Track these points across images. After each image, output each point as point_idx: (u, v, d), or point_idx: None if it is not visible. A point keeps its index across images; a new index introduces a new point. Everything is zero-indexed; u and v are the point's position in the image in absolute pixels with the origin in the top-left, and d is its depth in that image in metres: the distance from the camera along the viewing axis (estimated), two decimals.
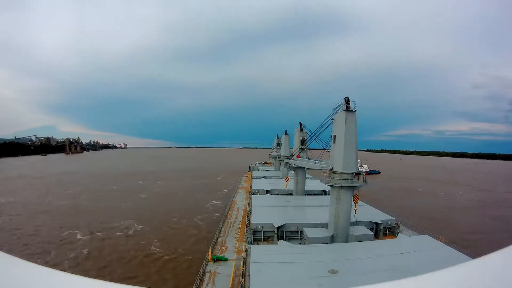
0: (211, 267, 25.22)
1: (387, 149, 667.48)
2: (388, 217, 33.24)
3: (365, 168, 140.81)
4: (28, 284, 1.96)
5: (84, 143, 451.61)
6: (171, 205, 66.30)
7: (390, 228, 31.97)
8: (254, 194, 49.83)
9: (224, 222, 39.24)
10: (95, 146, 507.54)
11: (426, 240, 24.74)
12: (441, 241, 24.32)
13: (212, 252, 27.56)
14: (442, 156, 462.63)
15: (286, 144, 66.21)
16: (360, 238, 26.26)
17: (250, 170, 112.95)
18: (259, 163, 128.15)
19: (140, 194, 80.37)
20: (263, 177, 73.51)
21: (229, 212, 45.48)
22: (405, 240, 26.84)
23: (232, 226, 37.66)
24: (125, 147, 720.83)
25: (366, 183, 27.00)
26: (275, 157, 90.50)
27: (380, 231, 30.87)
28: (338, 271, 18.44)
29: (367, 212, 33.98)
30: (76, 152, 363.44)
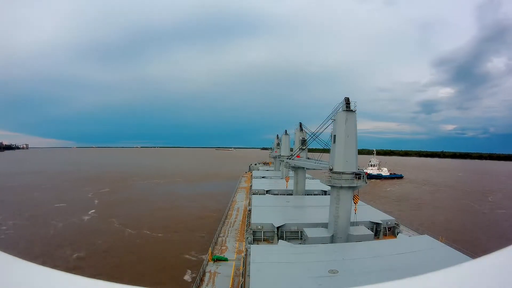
0: (211, 267, 25.22)
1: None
2: (388, 217, 33.24)
3: (384, 171, 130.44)
4: (28, 284, 1.96)
5: None
6: None
7: (390, 228, 31.96)
8: (254, 194, 49.83)
9: (224, 222, 39.24)
10: None
11: (426, 240, 24.73)
12: (441, 241, 24.31)
13: (212, 252, 27.56)
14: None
15: (286, 144, 66.22)
16: (360, 238, 26.25)
17: (250, 170, 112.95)
18: (258, 163, 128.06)
19: None
20: (263, 177, 73.49)
21: (229, 212, 45.48)
22: (405, 240, 26.83)
23: (232, 226, 37.66)
24: (27, 147, 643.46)
25: (366, 183, 27.01)
26: (275, 157, 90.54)
27: (380, 231, 30.86)
28: (338, 271, 18.43)
29: (367, 212, 33.97)
30: None
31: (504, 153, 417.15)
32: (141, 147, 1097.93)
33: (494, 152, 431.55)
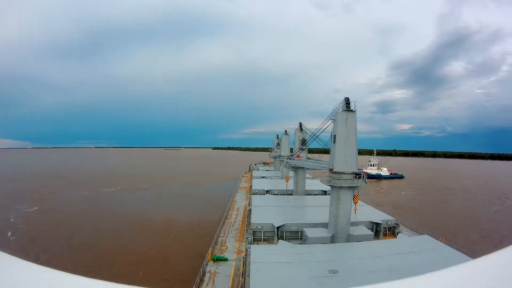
0: (211, 267, 25.22)
1: (246, 146, 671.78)
2: (388, 217, 33.25)
3: (384, 171, 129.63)
4: (28, 284, 1.96)
5: None
6: None
7: (390, 228, 31.97)
8: (254, 194, 49.82)
9: (224, 222, 39.23)
10: None
11: (426, 240, 24.73)
12: (441, 241, 24.32)
13: (212, 252, 27.56)
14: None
15: (286, 144, 66.23)
16: (360, 238, 26.25)
17: (250, 170, 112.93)
18: (258, 163, 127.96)
19: None
20: (263, 177, 73.50)
21: (229, 212, 45.48)
22: (405, 240, 26.83)
23: (232, 226, 37.65)
24: None
25: (366, 183, 27.01)
26: (275, 157, 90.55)
27: (380, 231, 30.85)
28: (338, 271, 18.43)
29: (367, 212, 33.97)
30: None
31: (460, 151, 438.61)
32: (95, 147, 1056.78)
33: (449, 151, 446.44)
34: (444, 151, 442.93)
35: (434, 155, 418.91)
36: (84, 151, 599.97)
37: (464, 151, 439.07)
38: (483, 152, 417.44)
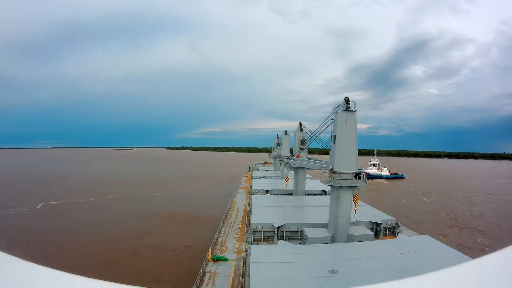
0: (211, 267, 25.22)
1: (198, 146, 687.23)
2: (388, 217, 33.24)
3: (384, 171, 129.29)
4: (28, 284, 1.96)
5: None
6: None
7: (390, 228, 31.97)
8: (254, 194, 49.82)
9: (224, 222, 39.23)
10: None
11: (426, 240, 24.73)
12: (441, 241, 24.31)
13: (212, 252, 27.56)
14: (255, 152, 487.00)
15: (286, 144, 66.24)
16: (360, 238, 26.25)
17: (250, 170, 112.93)
18: (258, 163, 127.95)
19: None
20: (263, 177, 73.51)
21: (229, 212, 45.48)
22: (405, 240, 26.83)
23: (232, 226, 37.65)
24: None
25: (366, 183, 27.02)
26: (275, 157, 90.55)
27: (380, 231, 30.86)
28: (338, 271, 18.43)
29: (367, 212, 33.97)
30: None
31: (416, 150, 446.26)
32: (52, 147, 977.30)
33: (405, 149, 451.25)
34: (399, 150, 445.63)
35: (388, 154, 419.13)
36: (37, 152, 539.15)
37: (420, 150, 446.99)
38: (439, 151, 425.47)
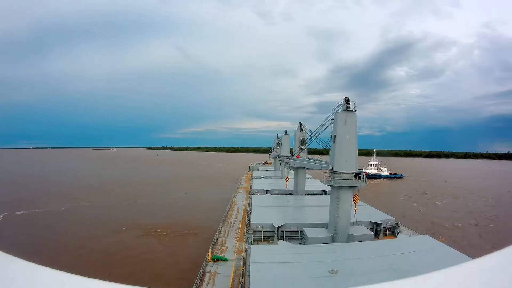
0: (211, 267, 25.23)
1: (182, 146, 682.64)
2: (388, 217, 33.23)
3: (384, 171, 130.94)
4: (28, 284, 1.96)
5: None
6: None
7: (390, 228, 31.96)
8: (254, 194, 49.82)
9: (224, 222, 39.24)
10: None
11: (426, 240, 24.72)
12: (441, 241, 24.31)
13: (212, 252, 27.56)
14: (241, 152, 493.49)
15: (286, 144, 66.24)
16: (360, 238, 26.24)
17: (250, 170, 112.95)
18: (258, 163, 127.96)
19: None
20: (263, 177, 73.51)
21: (229, 212, 45.48)
22: (405, 240, 26.83)
23: (232, 226, 37.66)
24: None
25: (366, 183, 27.02)
26: (275, 157, 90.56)
27: (380, 231, 30.85)
28: (338, 271, 18.43)
29: (367, 212, 33.96)
30: None
31: (397, 149, 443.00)
32: (35, 147, 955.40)
33: (385, 149, 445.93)
34: (379, 149, 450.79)
35: (367, 153, 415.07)
36: (19, 153, 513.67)
37: (401, 149, 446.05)
38: (421, 150, 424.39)
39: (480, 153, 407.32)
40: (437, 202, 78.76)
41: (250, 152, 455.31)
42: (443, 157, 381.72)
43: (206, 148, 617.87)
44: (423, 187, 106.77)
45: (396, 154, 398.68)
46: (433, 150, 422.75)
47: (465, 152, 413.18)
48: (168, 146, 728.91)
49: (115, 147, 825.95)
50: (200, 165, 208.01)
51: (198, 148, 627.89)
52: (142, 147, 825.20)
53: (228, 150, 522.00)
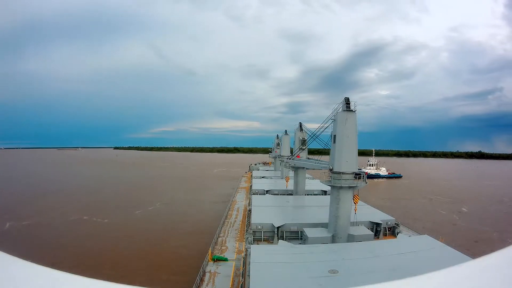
0: (211, 267, 25.23)
1: (151, 145, 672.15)
2: (388, 217, 33.24)
3: (382, 171, 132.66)
4: (28, 284, 1.96)
5: None
6: None
7: (390, 228, 31.97)
8: (254, 194, 49.82)
9: (224, 222, 39.24)
10: None
11: (426, 240, 24.73)
12: (441, 241, 24.31)
13: (212, 252, 27.56)
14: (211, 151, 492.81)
15: (286, 144, 66.26)
16: (360, 238, 26.25)
17: (250, 170, 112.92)
18: (258, 163, 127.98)
19: None
20: (262, 177, 73.53)
21: (229, 212, 45.48)
22: (405, 240, 26.84)
23: (232, 226, 37.66)
24: None
25: (366, 183, 27.01)
26: (275, 157, 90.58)
27: (380, 231, 30.86)
28: (338, 271, 18.43)
29: (367, 212, 33.97)
30: None
31: (365, 148, 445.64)
32: (5, 148, 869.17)
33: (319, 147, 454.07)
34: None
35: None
36: None
37: (370, 148, 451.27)
38: (388, 150, 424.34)
39: (450, 152, 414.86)
40: (463, 209, 70.57)
41: (214, 152, 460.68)
42: (411, 156, 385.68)
43: (173, 148, 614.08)
44: (434, 189, 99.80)
45: (363, 153, 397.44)
46: (401, 150, 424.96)
47: (434, 151, 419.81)
48: (135, 146, 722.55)
49: (81, 147, 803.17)
50: (157, 166, 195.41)
51: (164, 148, 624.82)
52: (109, 147, 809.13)
53: (192, 150, 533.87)
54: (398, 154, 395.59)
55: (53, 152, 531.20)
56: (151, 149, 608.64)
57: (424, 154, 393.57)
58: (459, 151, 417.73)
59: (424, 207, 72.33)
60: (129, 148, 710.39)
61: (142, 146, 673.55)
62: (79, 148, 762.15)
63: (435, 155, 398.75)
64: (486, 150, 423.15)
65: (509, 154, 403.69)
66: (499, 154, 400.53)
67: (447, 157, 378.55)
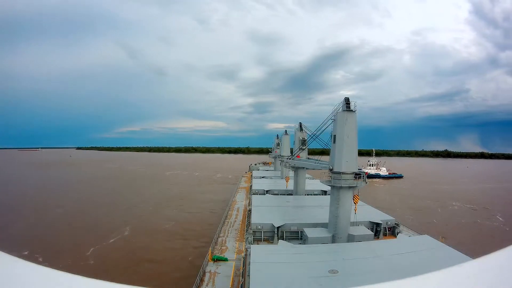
0: (211, 267, 25.23)
1: (117, 146, 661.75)
2: (388, 217, 33.24)
3: (383, 171, 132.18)
4: (28, 284, 1.96)
5: None
6: None
7: (390, 228, 31.97)
8: (254, 194, 49.82)
9: (224, 222, 39.24)
10: None
11: (426, 240, 24.73)
12: (441, 241, 24.32)
13: (212, 252, 27.56)
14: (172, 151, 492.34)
15: (286, 144, 66.26)
16: (360, 238, 26.26)
17: (250, 170, 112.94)
18: (258, 163, 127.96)
19: None
20: (262, 177, 73.52)
21: (229, 212, 45.48)
22: (405, 240, 26.84)
23: (232, 226, 37.66)
24: None
25: (366, 183, 27.03)
26: (275, 157, 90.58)
27: (380, 231, 30.86)
28: (338, 271, 18.44)
29: (367, 212, 33.98)
30: None
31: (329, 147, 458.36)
32: None
33: (317, 147, 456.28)
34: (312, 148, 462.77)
35: (312, 152, 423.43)
36: None
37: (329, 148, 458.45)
38: None
39: (415, 151, 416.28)
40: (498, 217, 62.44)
41: (172, 152, 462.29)
42: (374, 155, 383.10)
43: (133, 148, 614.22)
44: (444, 194, 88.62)
45: (323, 152, 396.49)
46: (363, 148, 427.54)
47: (398, 150, 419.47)
48: (98, 146, 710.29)
49: (42, 148, 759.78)
50: (105, 168, 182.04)
51: (125, 148, 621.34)
52: (72, 147, 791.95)
53: (150, 150, 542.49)
54: (360, 153, 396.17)
55: (10, 153, 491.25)
56: (111, 149, 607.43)
57: (387, 153, 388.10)
58: (424, 149, 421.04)
59: (454, 216, 61.83)
60: (91, 148, 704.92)
61: (104, 146, 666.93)
62: (39, 149, 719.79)
63: (398, 154, 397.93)
64: (452, 149, 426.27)
65: (476, 152, 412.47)
66: (466, 153, 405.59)
67: (411, 156, 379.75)
